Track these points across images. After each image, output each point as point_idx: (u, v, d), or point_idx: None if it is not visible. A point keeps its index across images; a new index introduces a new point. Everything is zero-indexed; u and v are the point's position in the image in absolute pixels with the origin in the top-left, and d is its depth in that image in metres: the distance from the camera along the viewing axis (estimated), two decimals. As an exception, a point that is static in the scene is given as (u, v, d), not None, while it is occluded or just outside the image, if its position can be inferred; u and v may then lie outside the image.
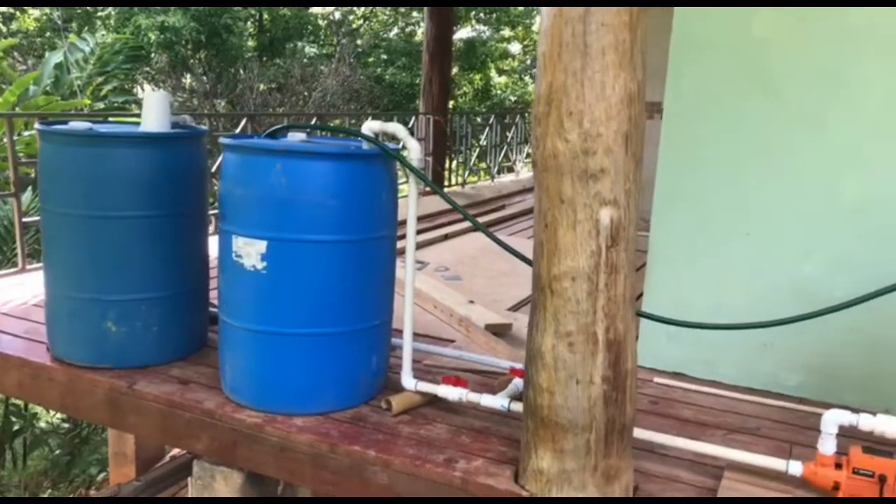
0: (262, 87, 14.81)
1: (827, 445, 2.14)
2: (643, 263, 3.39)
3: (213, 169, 5.31)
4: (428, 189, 9.61)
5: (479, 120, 13.02)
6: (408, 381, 2.74)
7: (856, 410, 2.13)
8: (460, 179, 10.46)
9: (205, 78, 14.62)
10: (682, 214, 3.17)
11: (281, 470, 2.61)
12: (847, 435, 2.19)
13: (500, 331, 3.66)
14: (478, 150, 11.66)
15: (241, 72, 14.89)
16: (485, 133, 11.98)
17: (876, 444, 2.17)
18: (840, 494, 2.12)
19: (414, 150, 2.57)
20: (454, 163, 10.75)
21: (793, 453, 2.46)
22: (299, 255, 2.52)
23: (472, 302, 4.05)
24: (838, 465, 2.13)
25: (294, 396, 2.63)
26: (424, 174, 2.70)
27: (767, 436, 2.71)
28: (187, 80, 15.10)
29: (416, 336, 3.59)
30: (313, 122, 8.15)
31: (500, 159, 12.31)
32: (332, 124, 9.93)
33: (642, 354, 3.34)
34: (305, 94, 15.00)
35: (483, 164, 12.16)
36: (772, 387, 3.10)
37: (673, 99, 3.10)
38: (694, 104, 3.07)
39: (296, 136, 2.68)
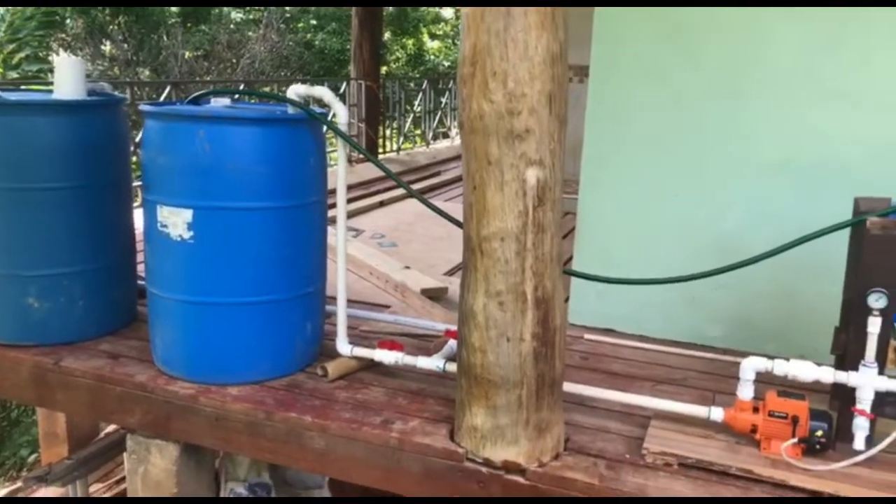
0: (187, 54, 14.30)
1: (745, 391, 2.24)
2: (572, 228, 3.46)
3: (138, 139, 5.15)
4: (362, 156, 9.51)
5: (412, 86, 12.92)
6: (343, 346, 2.74)
7: (772, 357, 2.23)
8: (395, 146, 10.41)
9: (125, 45, 14.03)
10: (610, 175, 3.24)
11: (217, 440, 2.59)
12: (765, 381, 2.29)
13: (435, 295, 3.69)
14: (412, 116, 11.60)
15: (165, 38, 14.35)
16: (418, 99, 11.91)
17: (790, 388, 2.28)
18: (757, 437, 2.23)
19: (341, 114, 2.54)
20: (389, 129, 10.68)
21: (716, 400, 2.57)
22: (227, 223, 2.48)
23: (407, 267, 4.06)
24: (756, 410, 2.24)
25: (228, 366, 2.61)
26: (352, 138, 2.68)
27: (693, 385, 2.83)
28: (107, 47, 14.46)
29: (352, 303, 3.60)
30: (240, 88, 7.95)
31: (434, 125, 12.27)
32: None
33: (573, 312, 3.46)
34: (233, 61, 14.57)
35: (418, 131, 12.12)
36: (697, 339, 3.22)
37: (598, 62, 3.15)
38: (619, 67, 3.12)
39: (219, 102, 2.62)
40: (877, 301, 2.05)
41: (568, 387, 2.51)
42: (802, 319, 2.96)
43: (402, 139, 10.75)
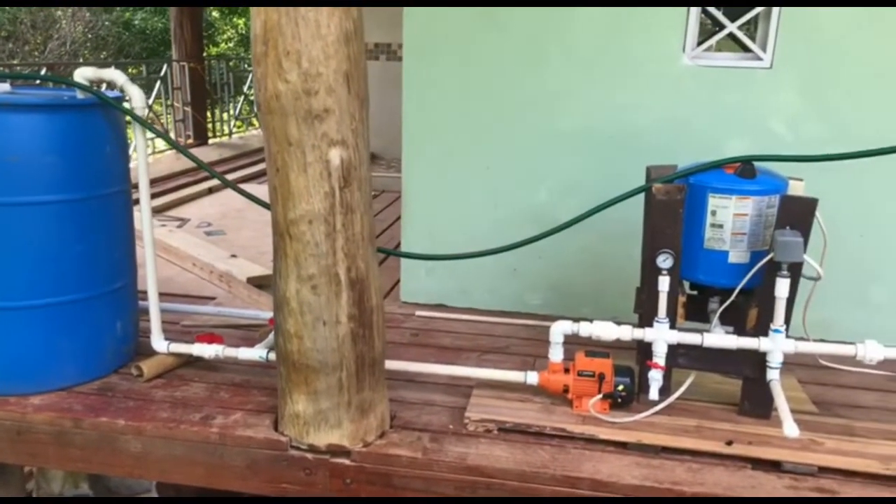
0: (-14, 35, 12.94)
1: (556, 354, 2.36)
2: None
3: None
4: (192, 140, 9.04)
5: (245, 66, 12.43)
6: (159, 343, 2.61)
7: (577, 320, 2.36)
8: (227, 130, 10.01)
9: None
10: (430, 152, 3.27)
11: (20, 454, 2.40)
12: (577, 343, 2.41)
13: (263, 282, 3.58)
14: (243, 98, 11.17)
15: (-42, 17, 12.89)
16: (250, 80, 11.48)
17: (599, 348, 2.42)
18: (569, 396, 2.36)
19: (137, 98, 2.38)
20: (224, 113, 10.23)
21: (536, 365, 2.68)
22: (14, 220, 2.27)
23: (234, 256, 3.93)
24: (567, 370, 2.37)
25: (27, 374, 2.41)
26: (150, 123, 2.53)
27: (515, 352, 2.94)
28: None
29: (175, 296, 3.45)
30: (43, 72, 7.30)
31: (269, 107, 11.86)
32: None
33: (405, 290, 3.49)
34: (40, 43, 13.34)
35: (253, 114, 11.70)
36: (520, 308, 3.36)
37: (410, 40, 3.16)
38: (430, 44, 3.15)
39: (-3, 88, 2.38)
40: (664, 261, 2.21)
41: (394, 364, 2.54)
42: (613, 282, 3.16)
43: (233, 123, 10.33)
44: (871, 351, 2.10)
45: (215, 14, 17.37)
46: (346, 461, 2.19)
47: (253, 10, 1.87)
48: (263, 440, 2.23)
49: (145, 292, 2.63)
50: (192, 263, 3.82)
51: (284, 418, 2.23)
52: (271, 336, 2.65)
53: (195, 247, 4.00)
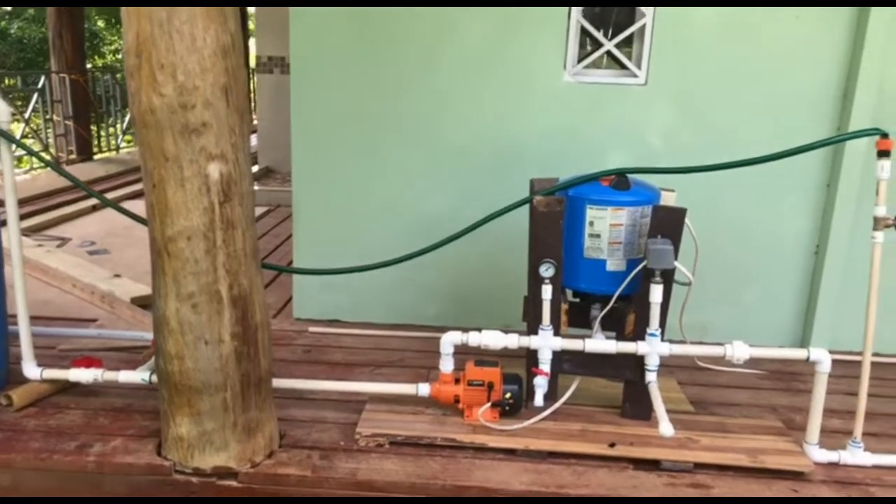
0: None
1: (446, 365, 2.38)
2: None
3: None
4: (76, 155, 8.61)
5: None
6: (31, 370, 2.47)
7: (466, 330, 2.39)
8: (115, 144, 9.59)
9: None
10: (320, 164, 3.25)
11: None
12: (471, 353, 2.43)
13: (148, 302, 3.45)
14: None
15: None
16: (139, 93, 11.04)
17: (490, 357, 2.45)
18: (461, 406, 2.39)
19: (2, 112, 2.26)
20: (111, 127, 9.78)
21: (429, 377, 2.70)
22: None
23: (117, 276, 3.77)
24: (458, 381, 2.39)
25: None
26: (15, 137, 2.39)
27: (410, 365, 2.95)
28: None
29: (52, 319, 3.27)
30: None
31: (159, 121, 11.43)
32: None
33: (298, 306, 3.44)
34: None
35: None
36: (415, 319, 3.37)
37: (297, 56, 3.14)
38: (317, 59, 3.13)
39: None
40: (546, 270, 2.28)
41: (284, 382, 2.50)
42: (506, 291, 3.20)
43: (122, 137, 9.90)
44: (738, 351, 2.23)
45: (100, 24, 16.65)
46: (234, 483, 2.14)
47: (124, 20, 1.81)
48: (145, 466, 2.15)
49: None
50: (72, 284, 3.63)
51: (168, 442, 2.15)
52: (154, 358, 2.56)
53: (75, 267, 3.81)
